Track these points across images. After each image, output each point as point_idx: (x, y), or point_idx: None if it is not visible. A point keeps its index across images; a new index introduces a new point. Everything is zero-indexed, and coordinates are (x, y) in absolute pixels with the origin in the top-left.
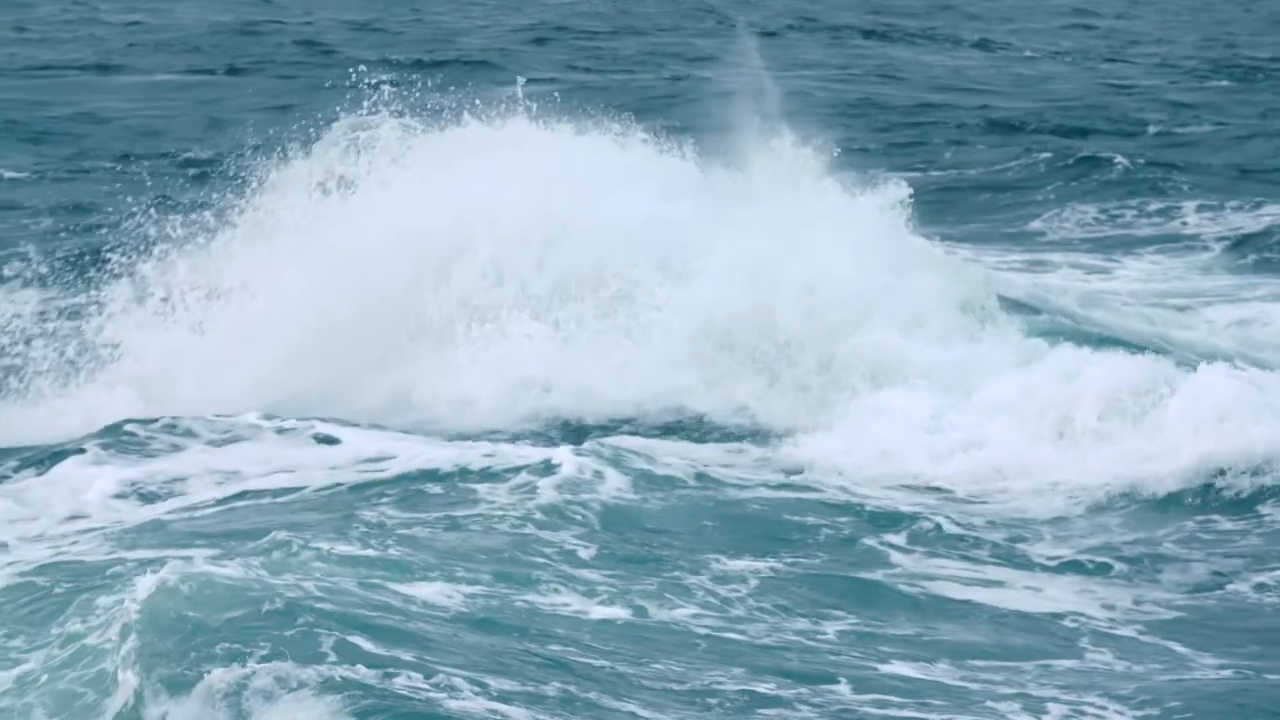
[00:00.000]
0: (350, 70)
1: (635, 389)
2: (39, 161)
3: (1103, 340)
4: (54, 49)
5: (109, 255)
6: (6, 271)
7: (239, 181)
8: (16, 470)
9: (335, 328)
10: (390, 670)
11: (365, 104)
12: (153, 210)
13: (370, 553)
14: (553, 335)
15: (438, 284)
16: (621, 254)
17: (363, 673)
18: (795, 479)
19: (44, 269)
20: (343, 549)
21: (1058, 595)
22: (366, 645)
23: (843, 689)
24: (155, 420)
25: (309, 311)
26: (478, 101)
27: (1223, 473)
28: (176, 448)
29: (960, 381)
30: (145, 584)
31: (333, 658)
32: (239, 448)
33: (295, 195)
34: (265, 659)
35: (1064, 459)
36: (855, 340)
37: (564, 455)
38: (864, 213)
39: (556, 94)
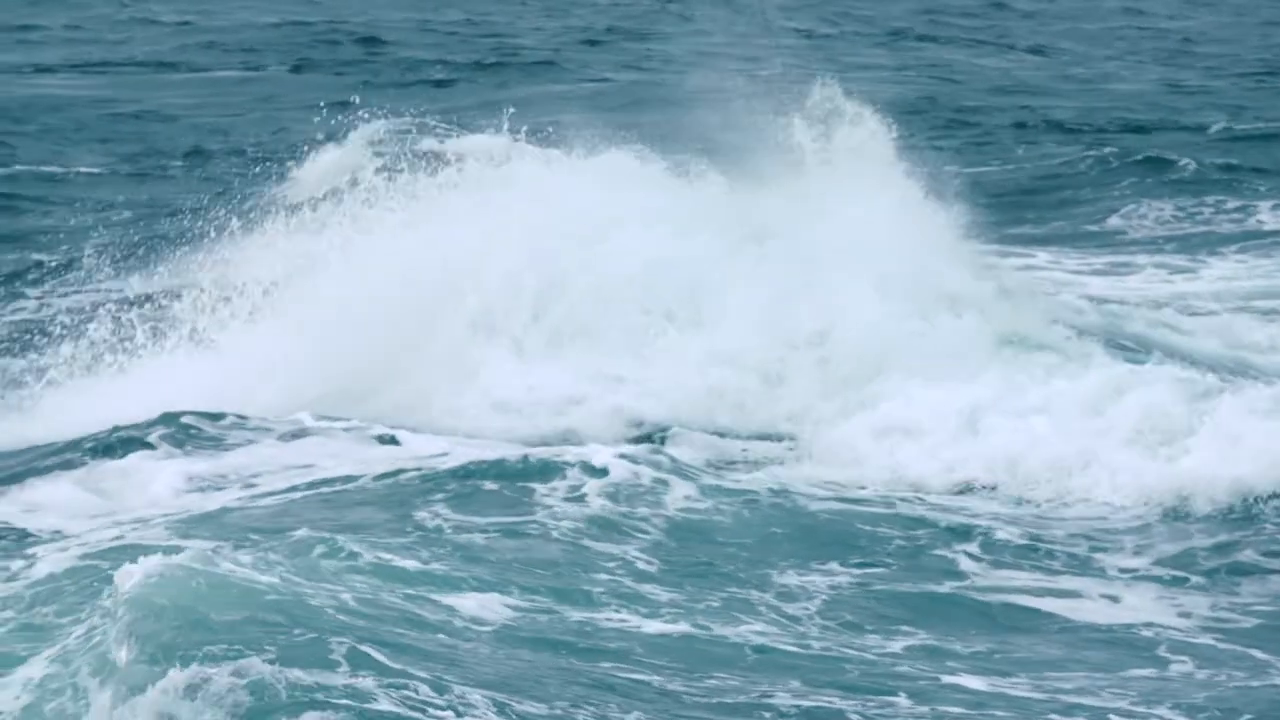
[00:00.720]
0: (404, 69)
1: (680, 393)
2: (109, 159)
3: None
4: (109, 48)
5: (175, 249)
6: (81, 260)
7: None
8: (81, 457)
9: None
10: (397, 684)
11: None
12: (220, 207)
13: (411, 562)
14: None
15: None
16: (621, 303)
17: (362, 684)
18: (858, 490)
19: (118, 259)
20: (383, 554)
21: (1134, 604)
22: (380, 656)
23: (904, 702)
24: (215, 414)
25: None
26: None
27: None
28: (233, 442)
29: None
30: (143, 573)
31: (344, 667)
32: (295, 445)
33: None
34: (270, 661)
35: (1138, 466)
36: (867, 394)
37: (613, 460)
38: (921, 225)
39: (551, 129)
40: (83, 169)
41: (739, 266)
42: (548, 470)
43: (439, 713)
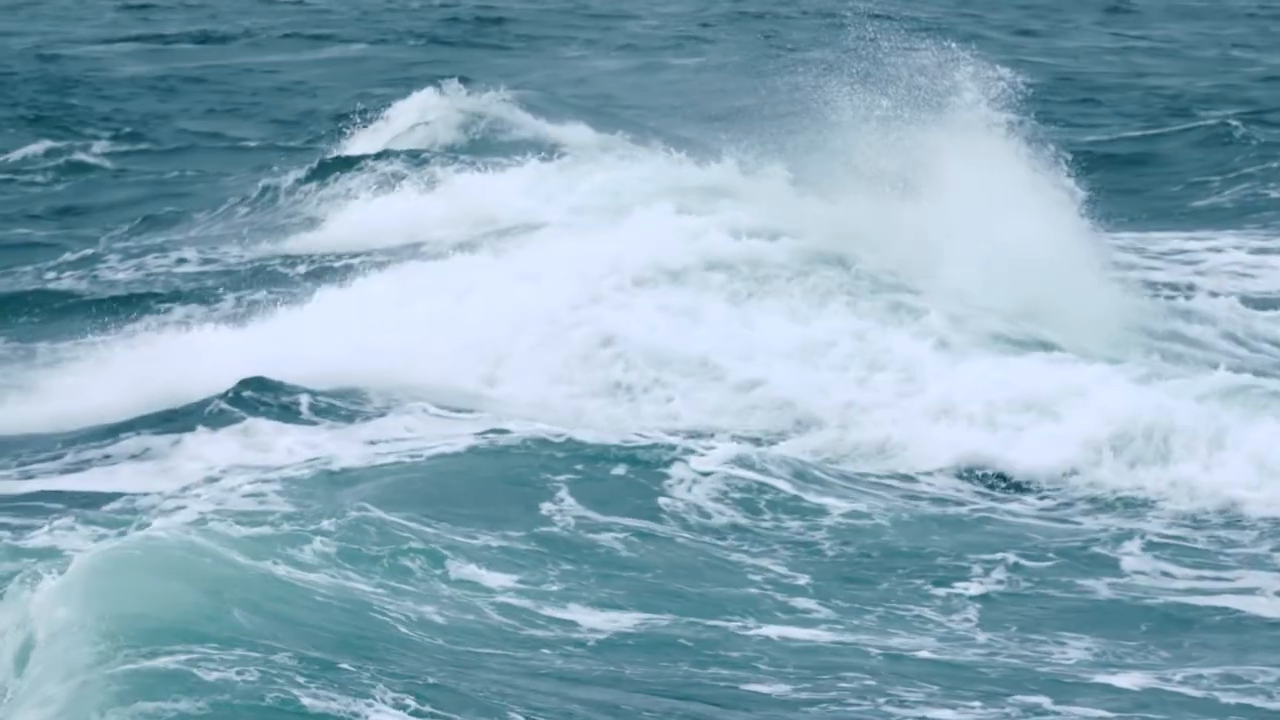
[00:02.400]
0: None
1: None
2: (265, 129)
3: None
4: (231, 23)
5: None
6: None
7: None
8: (160, 425)
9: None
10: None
11: None
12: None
13: (504, 577)
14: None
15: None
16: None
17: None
18: (1012, 492)
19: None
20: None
21: None
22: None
23: (1077, 705)
24: (292, 388)
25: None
26: None
27: None
28: (308, 417)
29: None
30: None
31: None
32: (386, 423)
33: None
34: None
35: None
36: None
37: (738, 456)
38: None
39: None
40: (239, 137)
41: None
42: (669, 464)
43: None
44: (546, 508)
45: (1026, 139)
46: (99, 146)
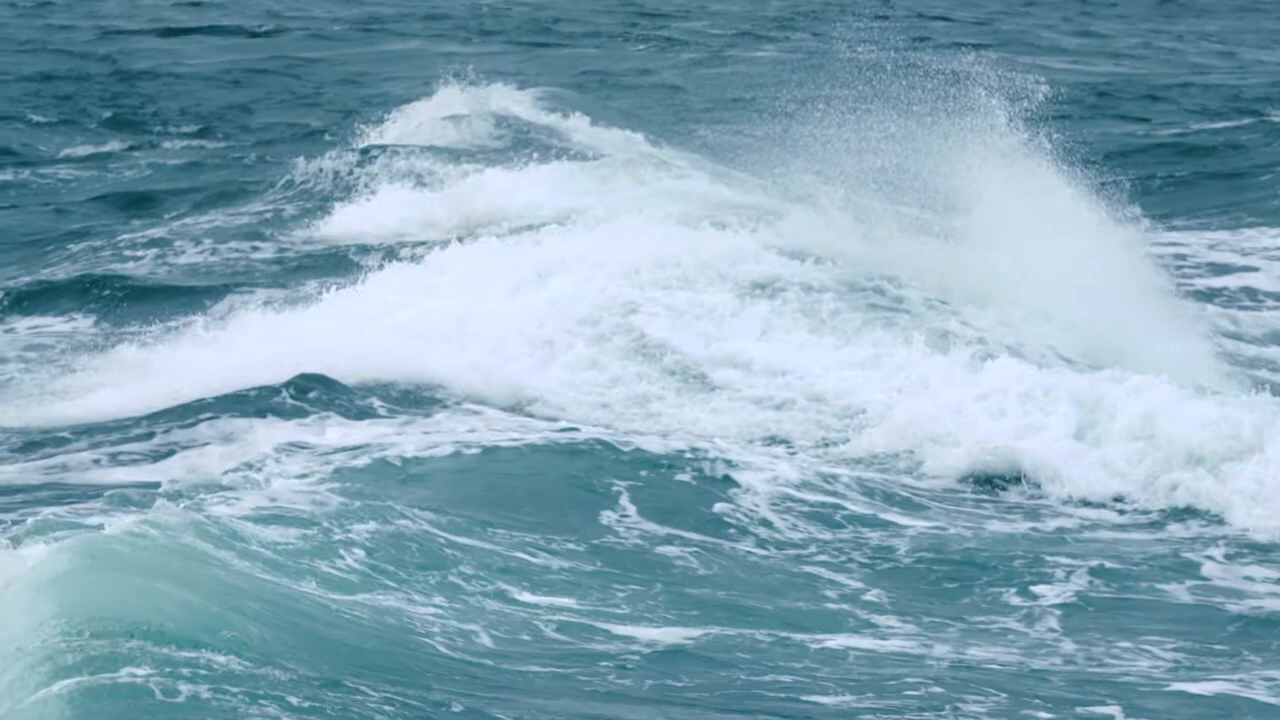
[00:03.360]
0: None
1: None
2: (325, 122)
3: None
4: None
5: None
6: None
7: None
8: (214, 414)
9: None
10: None
11: None
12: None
13: (557, 588)
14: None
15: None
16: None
17: None
18: (1094, 502)
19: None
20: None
21: None
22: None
23: (1137, 715)
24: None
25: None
26: None
27: None
28: (391, 410)
29: None
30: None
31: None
32: (441, 420)
33: None
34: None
35: None
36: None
37: (799, 464)
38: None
39: None
40: (301, 127)
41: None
42: (731, 472)
43: None
44: (605, 515)
45: (1070, 161)
46: (170, 138)
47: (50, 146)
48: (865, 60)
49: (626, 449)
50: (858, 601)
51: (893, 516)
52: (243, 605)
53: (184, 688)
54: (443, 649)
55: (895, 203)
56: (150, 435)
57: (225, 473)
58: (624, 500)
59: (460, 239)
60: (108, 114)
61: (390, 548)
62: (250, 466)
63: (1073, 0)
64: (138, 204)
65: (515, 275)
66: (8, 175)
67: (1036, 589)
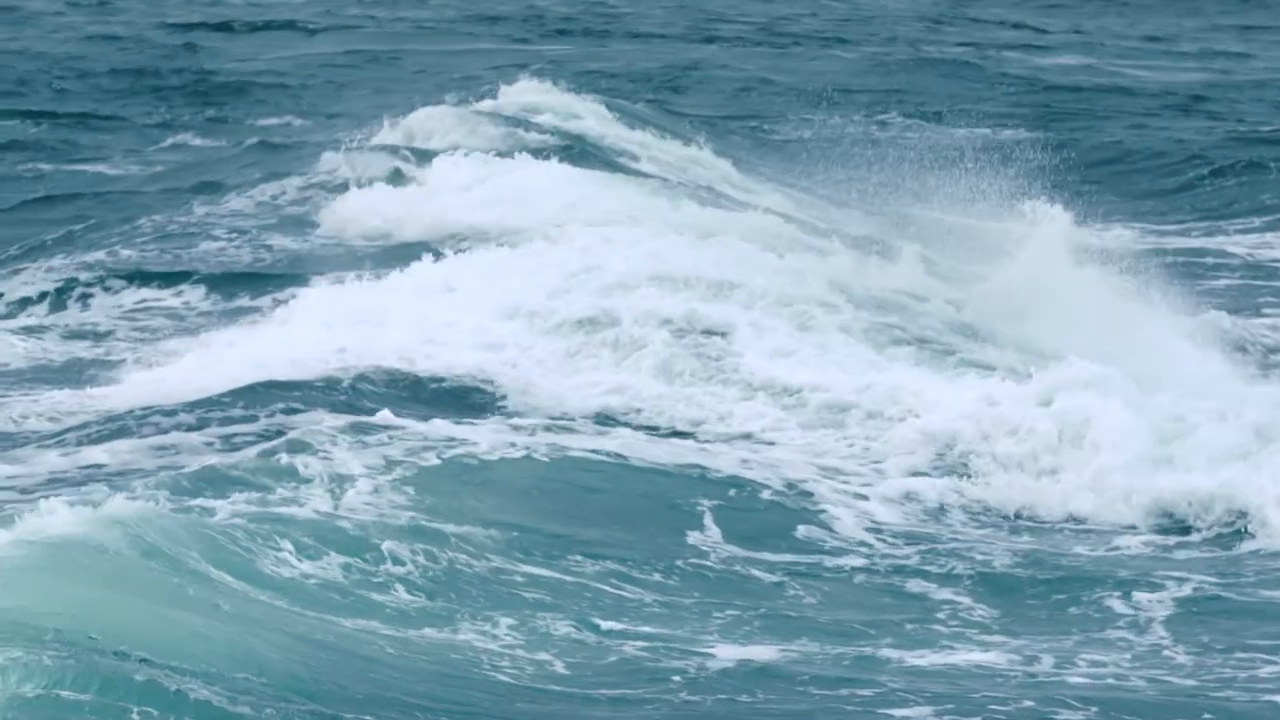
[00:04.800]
0: None
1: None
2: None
3: None
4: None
5: None
6: None
7: None
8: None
9: None
10: None
11: None
12: None
13: (634, 608)
14: None
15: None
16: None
17: None
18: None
19: None
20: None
21: None
22: None
23: None
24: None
25: None
26: None
27: None
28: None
29: None
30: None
31: None
32: (511, 421)
33: None
34: None
35: None
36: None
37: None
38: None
39: None
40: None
41: None
42: (818, 492)
43: None
44: (691, 536)
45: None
46: (244, 129)
47: (137, 136)
48: None
49: (705, 465)
50: (945, 619)
51: (989, 533)
52: (274, 638)
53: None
54: (507, 678)
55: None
56: (207, 422)
57: (263, 472)
58: (707, 519)
59: (547, 238)
60: (181, 104)
61: (449, 568)
62: (299, 467)
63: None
64: (209, 190)
65: (580, 281)
66: (83, 165)
67: (1132, 603)
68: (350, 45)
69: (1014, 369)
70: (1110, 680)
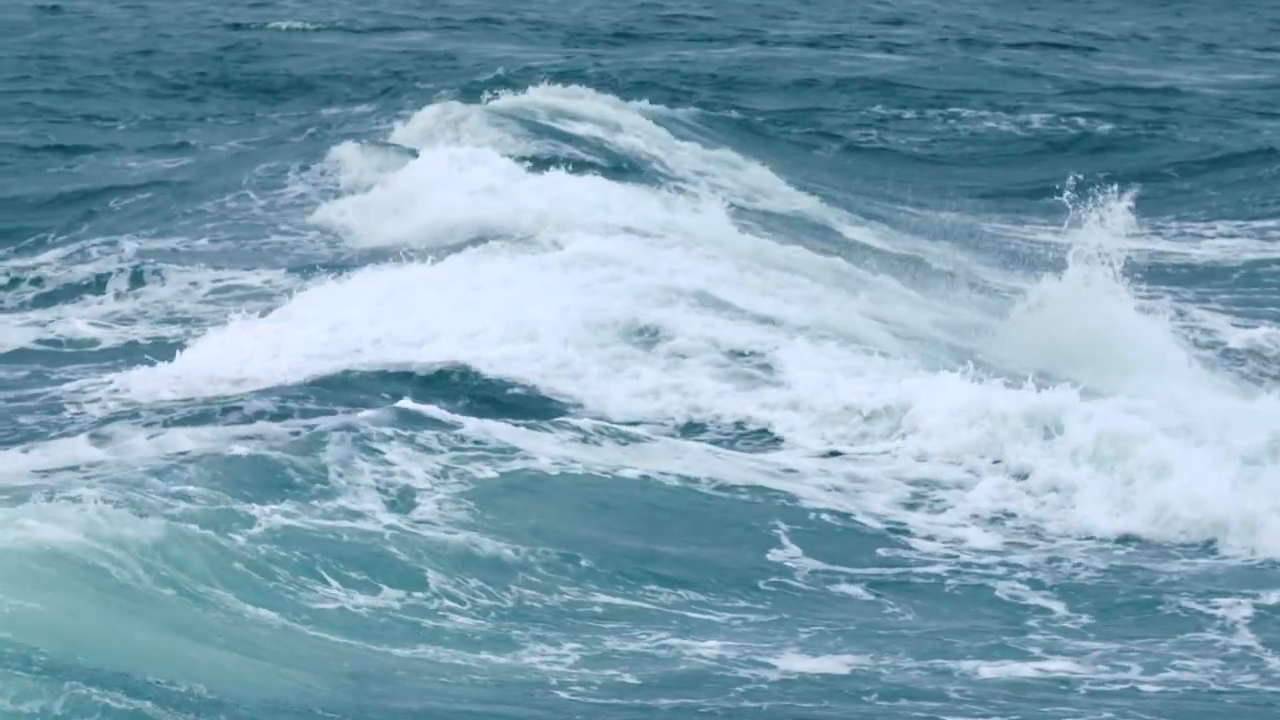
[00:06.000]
0: None
1: None
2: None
3: None
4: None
5: None
6: None
7: None
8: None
9: None
10: None
11: None
12: None
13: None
14: None
15: None
16: None
17: None
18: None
19: None
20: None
21: None
22: None
23: None
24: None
25: None
26: None
27: None
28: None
29: None
30: None
31: None
32: (574, 427)
33: None
34: None
35: None
36: None
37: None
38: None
39: None
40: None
41: None
42: (905, 507)
43: None
44: (771, 551)
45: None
46: (286, 117)
47: (200, 128)
48: None
49: (775, 482)
50: (1037, 626)
51: (1070, 544)
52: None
53: None
54: (554, 690)
55: None
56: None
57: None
58: (784, 537)
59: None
60: (239, 99)
61: (511, 590)
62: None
63: None
64: (257, 183)
65: (624, 289)
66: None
67: (1214, 618)
68: (404, 44)
69: (1088, 389)
70: (1196, 687)
